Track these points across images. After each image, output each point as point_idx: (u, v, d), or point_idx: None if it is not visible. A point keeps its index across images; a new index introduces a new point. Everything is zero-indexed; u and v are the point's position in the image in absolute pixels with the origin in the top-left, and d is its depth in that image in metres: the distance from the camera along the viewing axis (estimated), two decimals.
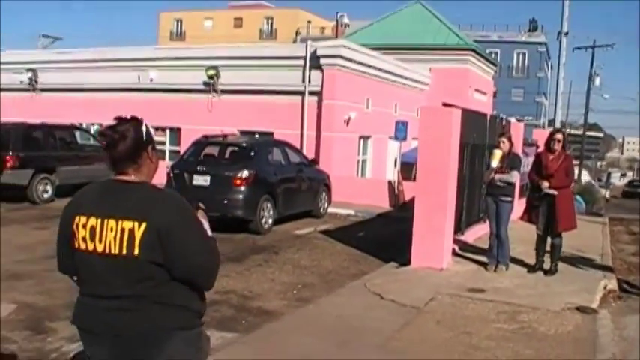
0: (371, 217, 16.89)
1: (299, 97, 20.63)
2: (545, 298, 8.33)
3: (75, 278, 2.84)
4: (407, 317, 7.25)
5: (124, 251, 2.54)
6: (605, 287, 9.31)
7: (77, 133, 19.09)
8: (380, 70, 22.68)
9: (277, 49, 23.38)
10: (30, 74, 24.56)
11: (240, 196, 12.57)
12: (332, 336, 6.33)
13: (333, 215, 16.62)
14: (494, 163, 9.34)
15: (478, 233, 12.68)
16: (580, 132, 55.77)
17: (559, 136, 9.56)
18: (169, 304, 2.61)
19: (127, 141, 2.64)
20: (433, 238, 9.68)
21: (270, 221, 13.34)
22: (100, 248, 2.59)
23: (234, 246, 11.45)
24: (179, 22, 72.08)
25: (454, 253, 10.62)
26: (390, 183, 19.43)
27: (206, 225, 2.83)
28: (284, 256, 11.10)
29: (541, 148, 10.72)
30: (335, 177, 17.40)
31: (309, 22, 68.66)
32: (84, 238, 2.63)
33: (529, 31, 66.62)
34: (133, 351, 2.59)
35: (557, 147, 9.36)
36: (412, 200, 18.64)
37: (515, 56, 64.59)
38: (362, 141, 22.95)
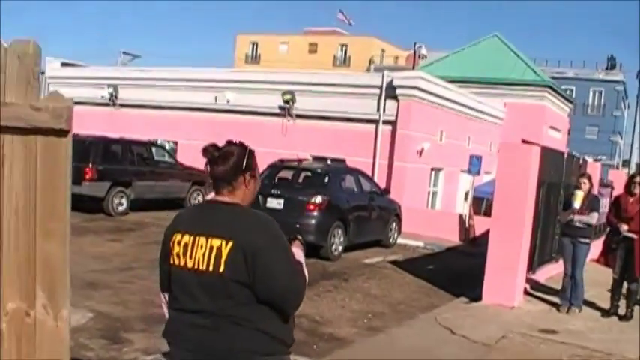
0: (440, 250, 16.83)
1: (373, 126, 20.76)
2: (620, 345, 8.16)
3: (165, 294, 2.95)
4: (478, 354, 7.23)
5: (211, 268, 2.63)
6: None
7: (154, 150, 19.64)
8: (455, 102, 22.68)
9: (353, 77, 23.59)
10: (111, 90, 25.32)
11: (313, 221, 12.74)
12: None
13: (402, 246, 16.61)
14: (576, 203, 9.24)
15: (550, 273, 12.51)
16: None
17: (639, 179, 9.42)
18: (249, 327, 2.65)
19: (226, 163, 2.76)
20: (506, 275, 9.62)
21: (340, 248, 13.46)
22: (190, 264, 2.69)
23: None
24: (255, 45, 73.43)
25: (525, 292, 10.50)
26: (460, 217, 19.34)
27: (301, 254, 2.92)
28: (354, 283, 11.18)
29: (616, 190, 10.56)
30: (405, 207, 17.43)
31: (383, 50, 69.00)
32: (178, 254, 2.74)
33: (607, 68, 65.47)
34: None
35: (637, 190, 9.21)
36: (482, 235, 18.59)
37: (591, 94, 63.57)
38: (433, 173, 22.92)
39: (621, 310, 9.53)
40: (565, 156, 12.67)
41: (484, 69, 27.50)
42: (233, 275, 2.62)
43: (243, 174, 2.80)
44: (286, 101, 21.53)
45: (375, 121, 20.68)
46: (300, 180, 14.12)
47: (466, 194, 23.56)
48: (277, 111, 22.04)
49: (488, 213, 22.45)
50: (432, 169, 22.71)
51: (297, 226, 12.53)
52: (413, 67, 30.09)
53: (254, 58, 71.98)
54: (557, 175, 11.51)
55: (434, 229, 18.30)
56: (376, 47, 68.96)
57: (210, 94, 23.42)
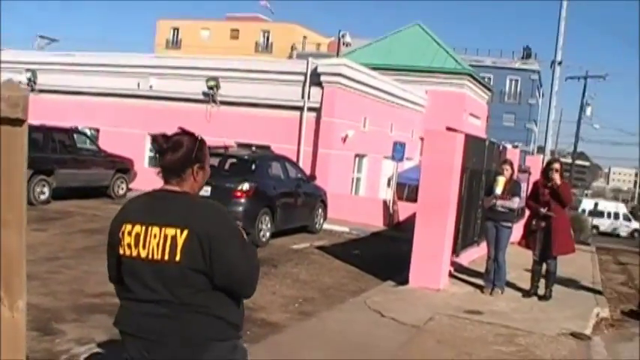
0: (365, 235, 17.06)
1: (297, 113, 20.83)
2: (541, 323, 8.52)
3: (116, 287, 2.94)
4: (407, 335, 7.41)
5: (166, 257, 2.63)
6: (597, 315, 9.54)
7: (75, 137, 19.14)
8: (378, 90, 22.97)
9: (278, 64, 23.59)
10: (29, 75, 24.50)
11: (240, 208, 12.72)
12: (337, 351, 6.48)
13: (328, 231, 16.77)
14: (498, 189, 9.56)
15: (472, 256, 12.89)
16: (567, 160, 56.29)
17: (557, 165, 9.78)
18: (207, 313, 2.68)
19: (175, 153, 2.76)
20: (432, 259, 9.86)
21: (267, 234, 13.50)
22: (143, 254, 2.67)
23: None
24: (176, 30, 72.32)
25: (450, 275, 10.81)
26: (384, 202, 19.64)
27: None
28: (283, 269, 11.24)
29: (533, 175, 10.92)
30: (331, 194, 17.58)
31: (305, 37, 69.04)
32: (129, 245, 2.71)
33: (522, 58, 67.32)
34: (169, 357, 2.67)
35: (556, 176, 9.55)
36: (406, 220, 18.95)
37: (508, 82, 65.18)
38: (357, 159, 23.19)
39: (541, 291, 9.94)
40: (486, 143, 13.02)
41: (406, 57, 27.91)
42: (190, 264, 2.62)
43: (192, 165, 2.80)
44: (210, 87, 21.35)
45: (300, 108, 20.75)
46: (227, 167, 14.06)
47: (389, 180, 23.96)
48: (201, 97, 21.83)
49: (411, 198, 22.95)
50: (356, 156, 22.97)
51: None
52: (337, 55, 30.23)
53: (175, 44, 70.91)
54: (479, 162, 11.82)
55: (359, 214, 18.54)
56: (298, 34, 68.99)
57: (133, 79, 22.98)
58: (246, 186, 12.82)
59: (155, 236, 2.67)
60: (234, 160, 14.16)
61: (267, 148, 19.67)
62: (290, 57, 53.86)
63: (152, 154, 23.69)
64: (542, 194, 9.56)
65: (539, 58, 65.85)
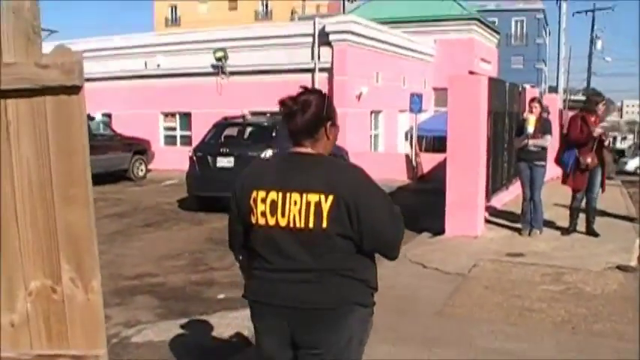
0: (392, 190, 16.88)
1: (309, 75, 20.59)
2: (585, 259, 8.39)
3: (240, 257, 2.86)
4: (454, 284, 7.30)
5: (311, 224, 2.49)
6: None
7: (90, 123, 19.08)
8: (388, 43, 22.67)
9: (285, 28, 23.26)
10: None
11: None
12: (389, 305, 6.36)
13: None
14: (530, 128, 9.36)
15: (503, 199, 12.77)
16: (579, 97, 55.66)
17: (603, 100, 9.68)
18: (353, 277, 2.58)
19: (305, 114, 2.58)
20: (466, 206, 9.73)
21: None
22: (282, 222, 2.53)
23: None
24: (174, 7, 71.61)
25: (485, 221, 10.67)
26: (406, 156, 19.48)
27: None
28: None
29: (553, 114, 10.55)
30: (352, 152, 17.40)
31: (304, 0, 68.22)
32: (263, 213, 2.57)
33: None
34: (314, 323, 2.56)
35: (601, 110, 9.49)
36: (430, 172, 18.81)
37: (513, 24, 64.47)
38: (373, 115, 22.97)
39: (579, 228, 9.79)
40: (507, 85, 12.80)
41: (411, 8, 27.46)
42: (337, 230, 2.50)
43: (324, 123, 2.63)
44: (219, 59, 21.15)
45: (311, 70, 20.54)
46: (248, 135, 13.91)
47: (406, 134, 23.79)
48: (210, 70, 21.64)
49: (429, 149, 22.80)
50: (372, 112, 22.75)
51: None
52: (343, 12, 29.82)
53: (174, 21, 70.31)
54: (501, 104, 11.63)
55: (382, 170, 18.29)
56: None
57: (139, 60, 22.81)
58: (269, 152, 12.65)
59: (296, 203, 2.52)
60: (253, 128, 13.99)
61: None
62: (292, 21, 53.25)
63: (167, 133, 23.64)
64: (591, 130, 9.30)
65: None
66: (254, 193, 2.60)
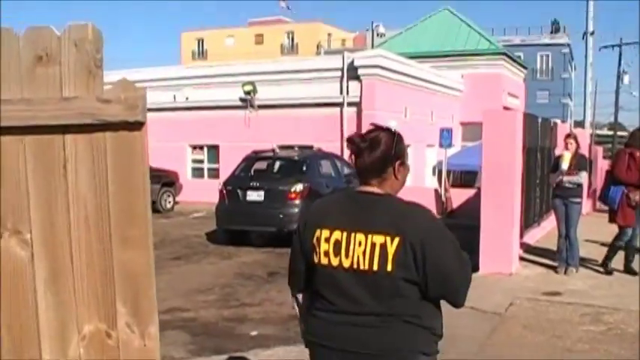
0: None
1: (337, 109, 20.64)
2: (624, 299, 8.18)
3: (299, 295, 2.79)
4: (492, 323, 7.14)
5: (375, 267, 2.40)
6: None
7: None
8: (416, 78, 22.68)
9: (313, 62, 23.39)
10: None
11: (296, 210, 12.52)
12: None
13: None
14: (565, 164, 9.23)
15: (536, 236, 12.57)
16: (603, 132, 55.26)
17: None
18: (418, 324, 2.47)
19: (374, 152, 2.50)
20: (501, 243, 9.57)
21: None
22: (346, 263, 2.45)
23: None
24: (200, 41, 72.66)
25: (519, 258, 10.49)
26: (435, 190, 19.33)
27: None
28: None
29: (582, 149, 10.33)
30: None
31: (329, 34, 68.86)
32: (326, 253, 2.49)
33: (551, 32, 66.30)
34: None
35: None
36: (460, 207, 18.62)
37: (538, 58, 64.35)
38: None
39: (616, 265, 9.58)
40: (540, 120, 12.69)
41: (439, 43, 27.56)
42: (403, 274, 2.40)
43: (393, 163, 2.54)
44: (247, 92, 21.24)
45: (340, 104, 20.56)
46: (278, 169, 13.89)
47: (434, 168, 23.63)
48: (239, 103, 21.73)
49: (457, 184, 22.61)
50: (404, 147, 22.64)
51: (281, 216, 12.35)
52: (372, 46, 29.96)
53: (201, 54, 71.24)
54: (534, 139, 11.52)
55: None
56: (322, 32, 68.85)
57: (168, 93, 22.97)
58: (299, 187, 12.62)
59: (360, 244, 2.42)
60: (284, 162, 13.97)
61: (310, 147, 19.53)
62: (318, 54, 53.62)
63: (195, 166, 23.71)
64: (639, 166, 9.13)
65: (568, 31, 64.87)
66: (318, 232, 2.52)
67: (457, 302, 2.57)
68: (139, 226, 1.87)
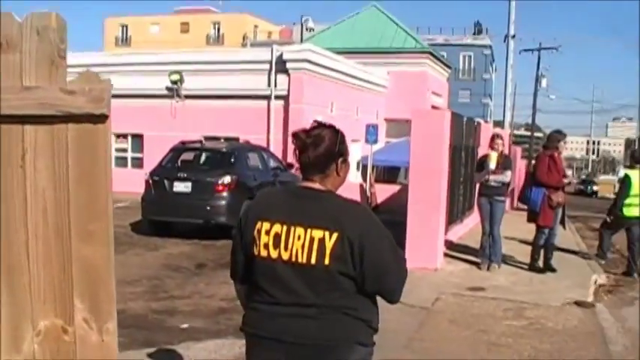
0: None
1: (265, 102, 20.59)
2: (544, 295, 8.51)
3: (238, 286, 2.80)
4: (419, 318, 7.29)
5: (313, 261, 2.44)
6: (595, 282, 9.57)
7: None
8: (343, 73, 22.83)
9: (242, 54, 23.28)
10: None
11: (223, 202, 12.44)
12: None
13: None
14: (492, 164, 9.49)
15: (458, 233, 12.87)
16: (520, 132, 56.95)
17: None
18: (355, 317, 2.53)
19: (317, 148, 2.53)
20: (427, 238, 9.75)
21: None
22: (285, 256, 2.48)
23: (218, 252, 11.27)
24: (124, 27, 71.07)
25: (443, 254, 10.72)
26: (361, 186, 19.53)
27: None
28: None
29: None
30: None
31: (256, 26, 68.51)
32: (266, 245, 2.51)
33: (474, 33, 67.83)
34: (312, 359, 2.50)
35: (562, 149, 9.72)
36: (384, 203, 18.87)
37: (461, 59, 65.64)
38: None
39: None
40: (464, 120, 12.98)
41: (366, 39, 27.81)
42: (339, 268, 2.44)
43: (336, 160, 2.58)
44: (174, 82, 20.93)
45: (267, 97, 20.51)
46: (205, 161, 13.74)
47: (358, 164, 23.85)
48: (165, 92, 21.39)
49: (380, 180, 22.91)
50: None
51: (208, 208, 12.25)
52: (301, 41, 29.94)
53: (125, 41, 69.69)
54: (459, 138, 11.78)
55: None
56: (249, 23, 68.43)
57: None
58: (227, 179, 12.52)
59: (299, 238, 2.46)
60: (212, 154, 13.83)
61: (236, 139, 19.42)
62: (244, 46, 53.27)
63: (118, 155, 23.21)
64: (560, 168, 9.50)
65: (490, 33, 66.47)
66: (259, 224, 2.54)
67: (393, 299, 2.64)
68: (99, 221, 1.83)
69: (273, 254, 2.49)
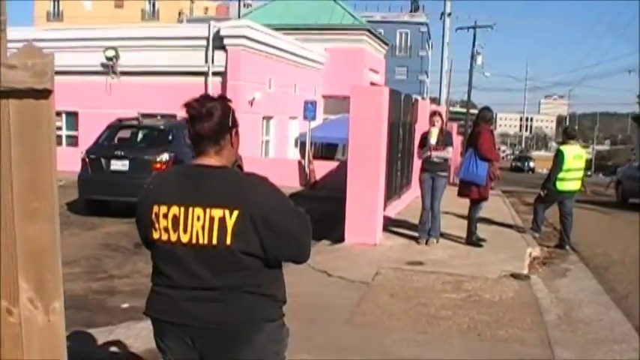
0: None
1: (202, 78, 20.36)
2: (481, 267, 8.72)
3: None
4: (360, 292, 7.37)
5: (214, 241, 2.39)
6: (530, 254, 9.85)
7: None
8: (281, 50, 22.74)
9: (179, 29, 22.90)
10: None
11: None
12: (300, 314, 6.34)
13: None
14: (433, 140, 9.62)
15: (397, 208, 13.03)
16: (456, 109, 57.79)
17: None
18: (259, 293, 2.48)
19: (213, 118, 2.47)
20: (366, 214, 9.86)
21: None
22: (184, 238, 2.42)
23: None
24: (56, 2, 68.89)
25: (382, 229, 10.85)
26: (299, 162, 19.55)
27: None
28: None
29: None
30: (244, 158, 17.28)
31: (192, 2, 67.34)
32: (165, 229, 2.45)
33: (411, 11, 68.38)
34: (220, 343, 2.47)
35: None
36: (322, 179, 18.96)
37: (398, 36, 66.10)
38: (265, 121, 22.92)
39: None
40: (402, 96, 13.09)
41: (304, 15, 27.70)
42: (242, 247, 2.40)
43: (230, 130, 2.56)
44: (109, 58, 20.49)
45: (204, 73, 20.31)
46: (143, 138, 13.54)
47: (296, 140, 23.89)
48: (100, 69, 20.93)
49: (318, 156, 23.00)
50: (264, 118, 22.70)
51: (146, 186, 12.06)
52: (239, 16, 29.62)
53: (57, 16, 67.62)
54: (397, 115, 11.88)
55: (274, 176, 17.55)
56: None
57: None
58: (165, 156, 12.37)
59: (199, 218, 2.40)
60: (149, 131, 13.64)
61: (173, 116, 19.15)
62: (180, 22, 52.39)
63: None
64: (494, 142, 9.73)
65: (427, 11, 67.24)
66: (155, 208, 2.49)
67: (302, 258, 2.63)
68: (44, 199, 1.79)
69: (173, 237, 2.45)
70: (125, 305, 6.75)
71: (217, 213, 2.39)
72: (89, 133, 15.34)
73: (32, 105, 1.71)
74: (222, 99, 2.59)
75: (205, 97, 2.56)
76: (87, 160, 12.65)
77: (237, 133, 2.61)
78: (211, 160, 2.52)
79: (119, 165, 12.38)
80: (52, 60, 1.72)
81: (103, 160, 12.52)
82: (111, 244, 9.86)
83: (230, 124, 2.56)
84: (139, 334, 5.60)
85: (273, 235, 2.43)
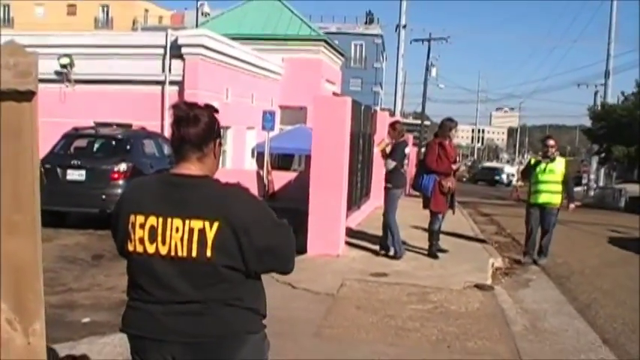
0: None
1: (159, 87, 20.02)
2: (445, 279, 8.71)
3: None
4: (326, 305, 7.27)
5: (194, 254, 2.29)
6: (492, 265, 9.89)
7: None
8: (239, 60, 22.57)
9: (136, 38, 22.55)
10: None
11: (119, 190, 11.98)
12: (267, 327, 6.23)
13: None
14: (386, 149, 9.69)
15: (357, 219, 12.99)
16: (409, 120, 58.23)
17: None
18: (240, 306, 2.40)
19: (199, 123, 2.39)
20: (329, 225, 9.79)
21: None
22: (163, 250, 2.31)
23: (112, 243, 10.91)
24: (6, 7, 67.55)
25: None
26: (258, 173, 19.40)
27: None
28: None
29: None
30: None
31: (146, 10, 66.92)
32: (141, 240, 2.33)
33: (366, 23, 68.83)
34: (203, 358, 2.37)
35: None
36: (281, 190, 18.83)
37: (353, 47, 66.37)
38: (222, 131, 22.64)
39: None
40: (362, 107, 13.08)
41: (261, 26, 27.60)
42: (223, 260, 2.30)
43: (214, 139, 2.47)
44: (63, 66, 19.99)
45: (161, 82, 19.97)
46: (100, 148, 13.25)
47: (252, 150, 23.72)
48: (54, 77, 20.42)
49: (275, 167, 22.86)
50: (221, 128, 22.46)
51: (104, 196, 11.81)
52: (197, 25, 29.34)
53: (7, 22, 66.27)
54: (357, 126, 11.87)
55: None
56: (139, 7, 66.81)
57: None
58: (123, 166, 12.12)
59: (177, 230, 2.29)
60: (107, 141, 13.35)
61: (129, 126, 18.82)
62: (134, 31, 51.80)
63: None
64: (450, 155, 9.71)
65: (381, 23, 67.73)
66: (132, 218, 2.38)
67: (287, 268, 2.57)
68: (25, 211, 1.66)
69: (150, 249, 2.34)
70: (86, 320, 6.53)
71: (197, 224, 2.30)
72: (43, 142, 14.81)
73: (14, 108, 1.58)
74: (210, 108, 2.50)
75: (194, 103, 2.47)
76: (42, 170, 12.26)
77: (220, 143, 2.53)
78: (192, 168, 2.42)
79: (76, 175, 12.08)
80: (37, 59, 1.59)
81: (58, 170, 12.21)
82: (68, 256, 9.59)
83: (215, 132, 2.49)
84: (102, 350, 5.41)
85: (254, 247, 2.34)
